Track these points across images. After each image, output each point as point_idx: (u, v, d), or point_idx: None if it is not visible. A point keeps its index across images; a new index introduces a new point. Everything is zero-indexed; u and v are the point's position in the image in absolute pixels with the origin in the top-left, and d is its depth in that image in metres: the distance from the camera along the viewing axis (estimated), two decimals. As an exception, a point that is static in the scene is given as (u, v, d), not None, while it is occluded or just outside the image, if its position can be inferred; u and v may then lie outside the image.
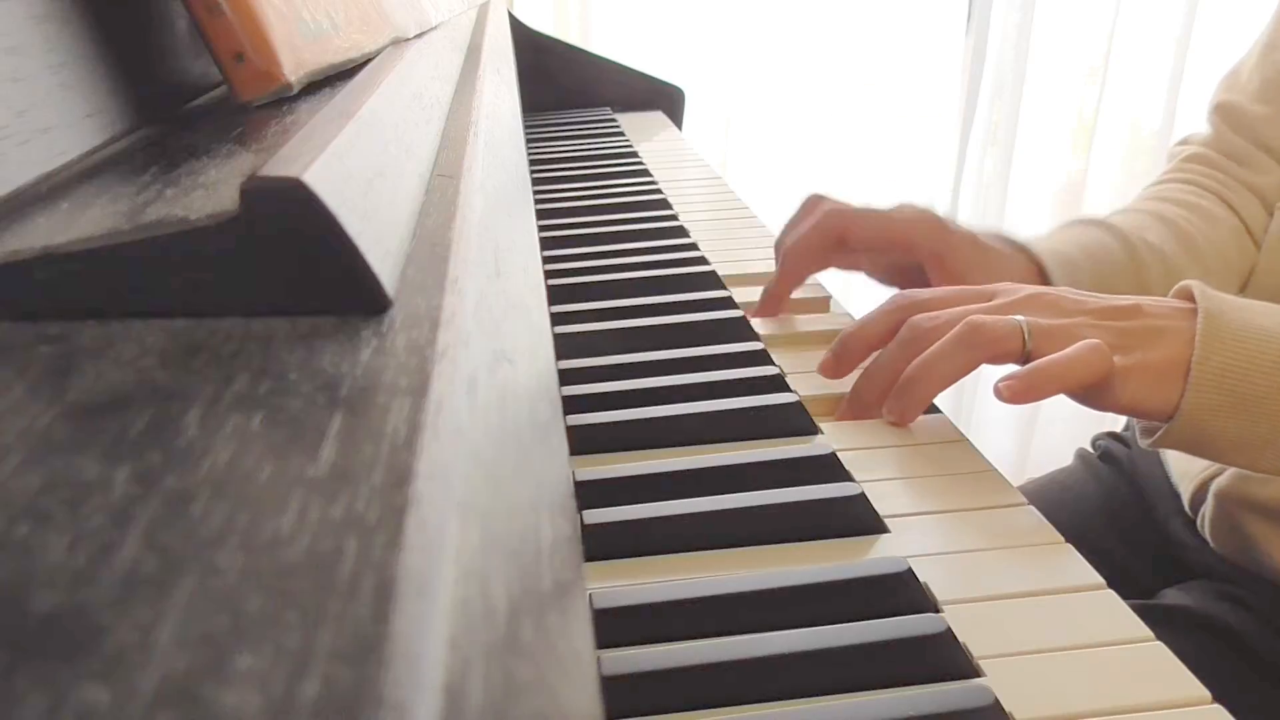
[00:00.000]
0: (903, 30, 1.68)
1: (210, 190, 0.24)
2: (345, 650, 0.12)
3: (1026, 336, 0.45)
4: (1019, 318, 0.46)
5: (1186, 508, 0.69)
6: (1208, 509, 0.65)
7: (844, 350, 0.51)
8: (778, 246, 0.64)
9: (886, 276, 0.67)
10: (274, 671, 0.11)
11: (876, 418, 0.48)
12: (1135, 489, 0.77)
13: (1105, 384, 0.45)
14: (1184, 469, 0.70)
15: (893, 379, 0.48)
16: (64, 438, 0.17)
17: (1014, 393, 0.44)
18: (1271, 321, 0.46)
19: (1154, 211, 0.72)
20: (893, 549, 0.38)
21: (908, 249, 0.61)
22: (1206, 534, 0.66)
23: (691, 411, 0.46)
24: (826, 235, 0.60)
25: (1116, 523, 0.75)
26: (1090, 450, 0.84)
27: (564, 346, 0.54)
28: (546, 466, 0.25)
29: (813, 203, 0.63)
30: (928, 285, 0.61)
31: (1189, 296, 0.48)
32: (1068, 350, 0.44)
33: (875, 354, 0.50)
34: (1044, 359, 0.44)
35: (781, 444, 0.45)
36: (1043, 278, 0.63)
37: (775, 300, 0.62)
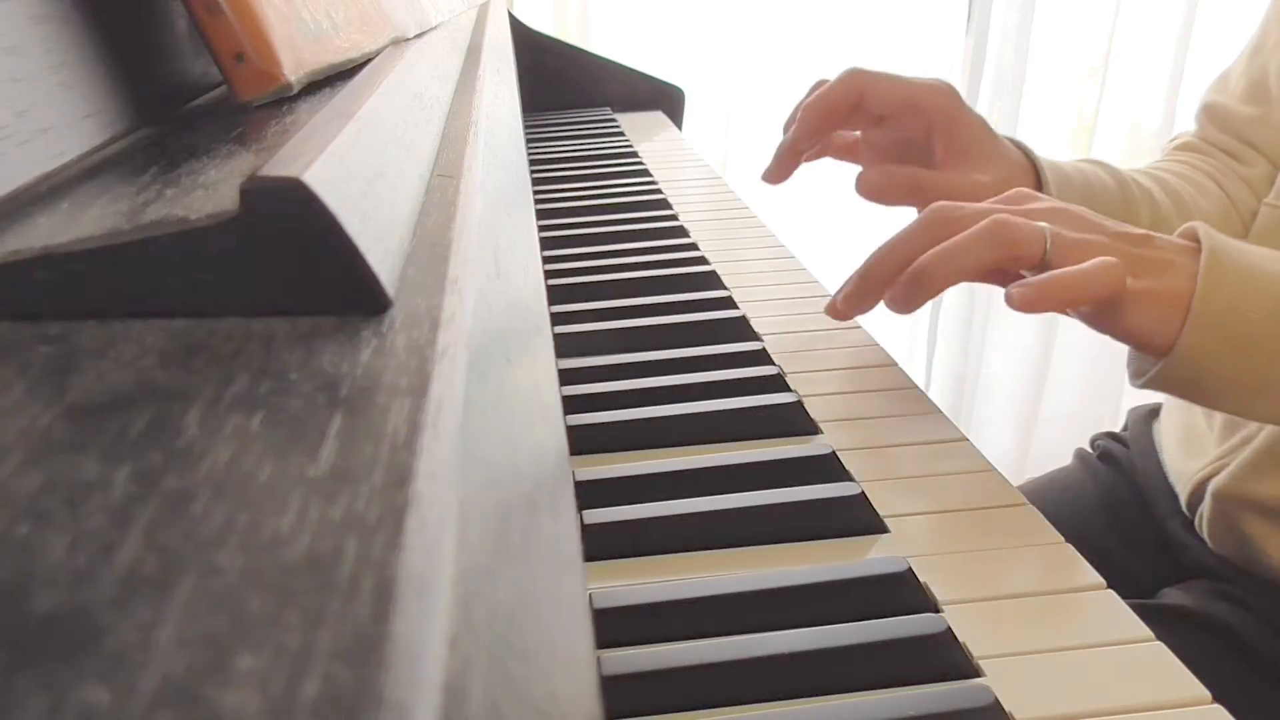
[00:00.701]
0: (903, 30, 1.68)
1: (210, 190, 0.24)
2: (345, 650, 0.12)
3: (1048, 244, 0.45)
4: (1044, 225, 0.45)
5: (1184, 508, 0.69)
6: (1205, 509, 0.65)
7: (866, 280, 0.49)
8: (787, 124, 0.65)
9: (886, 160, 0.67)
10: (274, 671, 0.11)
11: (872, 307, 0.48)
12: (1134, 489, 0.77)
13: (1115, 305, 0.45)
14: (1180, 470, 0.70)
15: (906, 263, 0.47)
16: (64, 438, 0.17)
17: (1025, 300, 0.44)
18: (1274, 267, 0.46)
19: (1148, 172, 0.74)
20: (893, 549, 0.38)
21: (923, 114, 0.61)
22: (1204, 534, 0.66)
23: (691, 411, 0.46)
24: (846, 93, 0.61)
25: (1116, 522, 0.75)
26: (1089, 450, 0.84)
27: (564, 346, 0.54)
28: (547, 467, 0.25)
29: (820, 83, 0.64)
30: (928, 166, 0.62)
31: (1194, 238, 0.48)
32: (1085, 264, 0.44)
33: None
34: (1060, 270, 0.44)
35: (781, 444, 0.45)
36: (1036, 181, 0.64)
37: (789, 157, 0.63)
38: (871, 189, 0.61)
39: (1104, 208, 0.65)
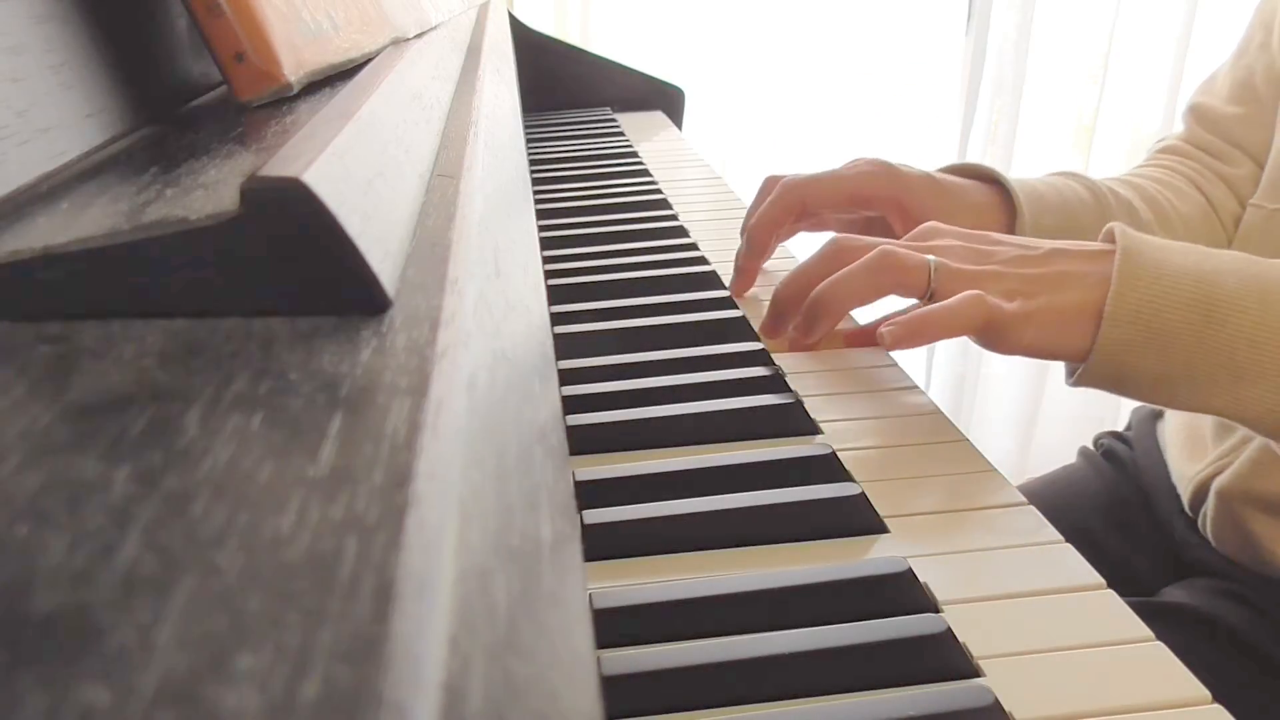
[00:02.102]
0: (903, 30, 1.68)
1: (210, 190, 0.24)
2: (345, 650, 0.12)
3: (932, 274, 0.48)
4: (930, 257, 0.48)
5: (1186, 508, 0.69)
6: (1209, 507, 0.65)
7: (775, 307, 0.53)
8: (743, 229, 0.66)
9: (856, 231, 0.69)
10: (274, 671, 0.11)
11: (786, 330, 0.52)
12: (1137, 488, 0.77)
13: (997, 330, 0.47)
14: (1183, 469, 0.70)
15: (808, 290, 0.51)
16: (64, 438, 0.17)
17: (894, 338, 0.47)
18: (1187, 260, 0.47)
19: (1126, 180, 0.75)
20: (893, 549, 0.38)
21: (865, 202, 0.64)
22: (1208, 532, 0.66)
23: (692, 411, 0.46)
24: (787, 207, 0.63)
25: (1119, 521, 0.75)
26: (1093, 449, 0.84)
27: (564, 346, 0.54)
28: (547, 467, 0.25)
29: (769, 183, 0.65)
30: (894, 235, 0.64)
31: (1111, 239, 0.49)
32: (949, 300, 0.46)
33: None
34: (925, 308, 0.47)
35: (781, 444, 0.45)
36: (1008, 205, 0.65)
37: (746, 274, 0.64)
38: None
39: (1081, 221, 0.67)
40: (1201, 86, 0.79)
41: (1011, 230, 0.65)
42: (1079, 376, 0.48)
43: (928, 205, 0.63)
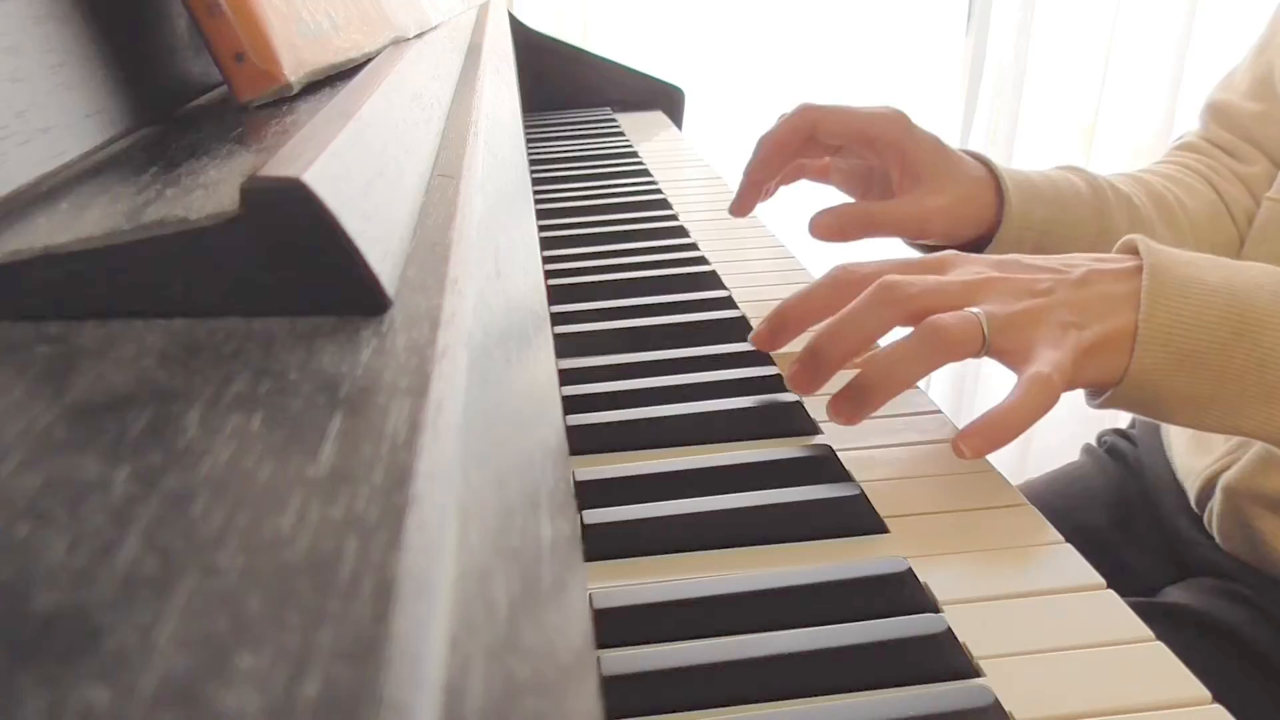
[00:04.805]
0: (903, 30, 1.68)
1: (210, 190, 0.24)
2: (345, 650, 0.12)
3: (986, 332, 0.44)
4: (976, 311, 0.44)
5: (1193, 505, 0.69)
6: (1215, 504, 0.65)
7: (781, 322, 0.49)
8: (756, 145, 0.67)
9: (854, 186, 0.70)
10: (274, 671, 0.11)
11: (829, 378, 0.46)
12: (1141, 486, 0.77)
13: (1067, 387, 0.44)
14: (1189, 466, 0.69)
15: (816, 319, 0.48)
16: (64, 438, 0.17)
17: (976, 451, 0.42)
18: (1215, 276, 0.45)
19: (1132, 176, 0.74)
20: (893, 549, 0.38)
21: (871, 142, 0.64)
22: (1214, 530, 0.66)
23: (692, 411, 0.46)
24: (799, 128, 0.64)
25: (1122, 519, 0.75)
26: (1096, 446, 0.84)
27: (564, 346, 0.54)
28: (547, 467, 0.25)
29: (785, 115, 0.66)
30: (891, 195, 0.65)
31: (1133, 251, 0.47)
32: (1017, 397, 0.42)
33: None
34: (998, 410, 0.42)
35: (781, 444, 0.45)
36: (999, 188, 0.65)
37: (750, 190, 0.65)
38: (824, 230, 0.64)
39: (1076, 214, 0.66)
40: (1221, 83, 0.79)
41: (998, 215, 0.65)
42: (1107, 400, 0.46)
43: (929, 163, 0.63)
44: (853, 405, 0.44)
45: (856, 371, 0.44)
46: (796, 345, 0.48)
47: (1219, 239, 0.73)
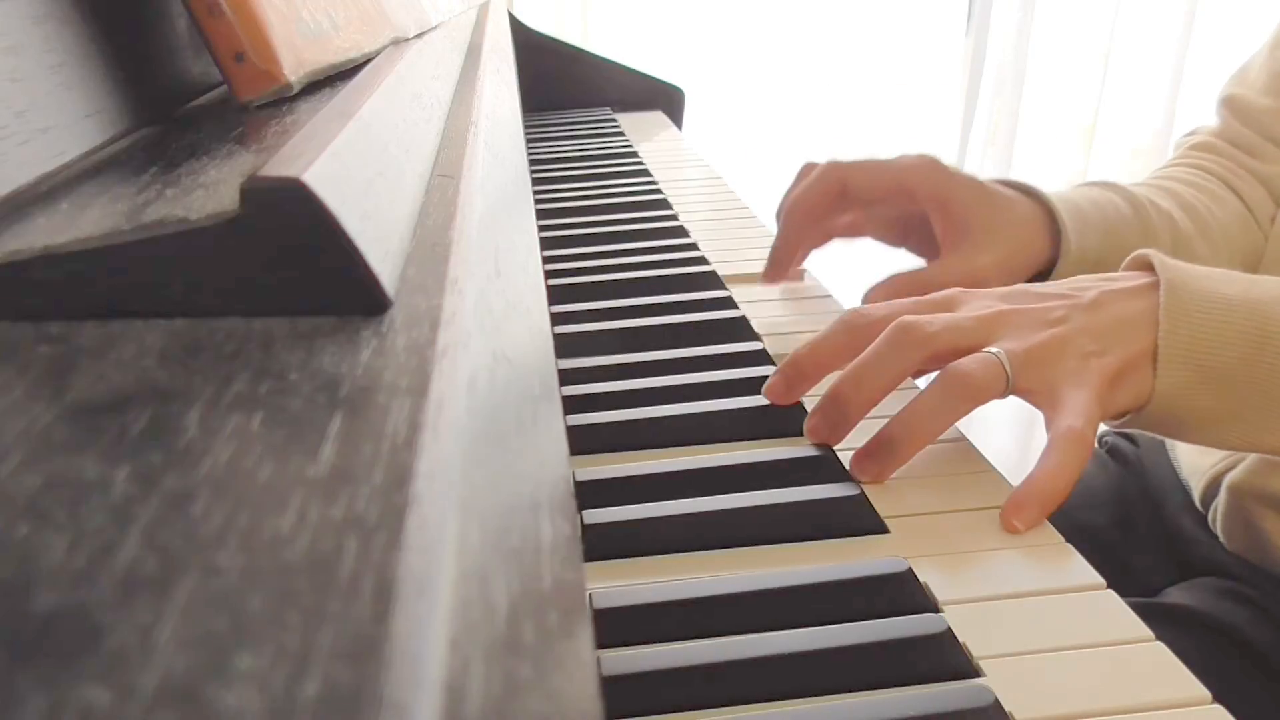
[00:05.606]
0: (903, 30, 1.68)
1: (210, 190, 0.24)
2: (345, 650, 0.12)
3: (1009, 372, 0.43)
4: (995, 351, 0.43)
5: (1197, 503, 0.69)
6: (1220, 503, 0.65)
7: (796, 372, 0.47)
8: (779, 212, 0.63)
9: (892, 236, 0.66)
10: (274, 671, 0.11)
11: (852, 429, 0.44)
12: (1143, 486, 0.76)
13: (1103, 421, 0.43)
14: (1194, 465, 0.69)
15: (829, 369, 0.46)
16: (64, 438, 0.17)
17: (1030, 523, 0.40)
18: (1233, 289, 0.45)
19: (1161, 186, 0.71)
20: (893, 549, 0.38)
21: (908, 195, 0.60)
22: (1218, 530, 0.66)
23: (691, 411, 0.46)
24: (827, 188, 0.60)
25: (1123, 519, 0.75)
26: (1098, 447, 0.84)
27: (564, 346, 0.54)
28: (547, 466, 0.25)
29: (807, 168, 0.63)
30: (933, 240, 0.61)
31: (1147, 266, 0.46)
32: (1055, 459, 0.41)
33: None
34: (1041, 476, 0.41)
35: (781, 444, 0.45)
36: (1052, 224, 0.62)
37: (781, 264, 0.61)
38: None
39: (1125, 240, 0.63)
40: (1234, 77, 0.77)
41: (1055, 250, 0.62)
42: (1129, 422, 0.45)
43: (973, 211, 0.59)
44: (878, 463, 0.43)
45: (874, 421, 0.43)
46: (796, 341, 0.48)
47: (1249, 245, 0.71)
